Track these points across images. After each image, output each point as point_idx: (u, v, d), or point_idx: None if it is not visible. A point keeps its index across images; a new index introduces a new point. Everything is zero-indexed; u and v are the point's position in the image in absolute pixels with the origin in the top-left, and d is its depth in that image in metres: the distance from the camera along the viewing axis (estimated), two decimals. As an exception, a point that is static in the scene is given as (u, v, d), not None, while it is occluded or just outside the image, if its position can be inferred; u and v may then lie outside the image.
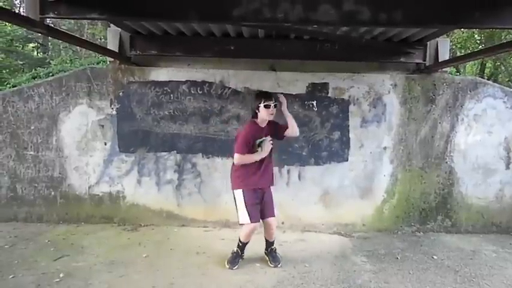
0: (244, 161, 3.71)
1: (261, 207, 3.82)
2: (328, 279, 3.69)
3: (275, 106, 3.80)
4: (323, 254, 4.39)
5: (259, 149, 3.77)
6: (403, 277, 3.79)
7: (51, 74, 7.08)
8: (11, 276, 3.57)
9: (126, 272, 3.74)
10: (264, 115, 3.76)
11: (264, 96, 3.79)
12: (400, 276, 3.81)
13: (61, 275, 3.62)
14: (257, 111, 3.78)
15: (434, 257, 4.35)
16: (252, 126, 3.81)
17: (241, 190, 3.77)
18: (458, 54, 11.24)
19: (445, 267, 4.06)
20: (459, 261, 4.22)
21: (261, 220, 3.85)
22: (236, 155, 3.70)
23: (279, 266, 3.95)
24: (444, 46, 5.17)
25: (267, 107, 3.72)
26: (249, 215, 3.71)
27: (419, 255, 4.41)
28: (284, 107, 4.01)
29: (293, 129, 3.99)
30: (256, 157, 3.73)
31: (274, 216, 3.92)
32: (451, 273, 3.89)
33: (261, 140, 3.78)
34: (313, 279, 3.70)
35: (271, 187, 3.98)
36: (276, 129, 3.96)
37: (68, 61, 8.82)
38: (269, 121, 3.86)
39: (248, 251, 4.06)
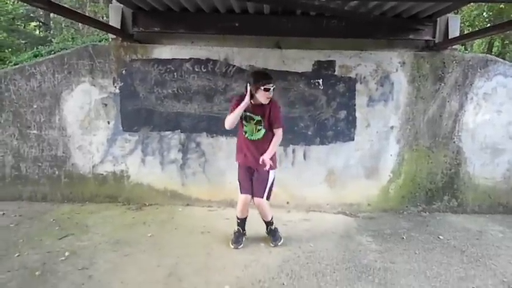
0: (229, 119, 3.59)
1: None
2: (334, 259, 3.66)
3: (273, 90, 3.61)
4: (328, 233, 4.36)
5: (245, 122, 3.72)
6: (409, 257, 3.76)
7: (53, 52, 6.97)
8: (16, 255, 3.56)
9: (131, 251, 3.72)
10: (262, 98, 3.55)
11: (263, 77, 3.56)
12: (406, 256, 3.77)
13: (66, 254, 3.61)
14: (254, 92, 3.54)
15: (441, 237, 4.30)
16: (240, 98, 3.63)
17: (237, 163, 3.88)
18: (466, 32, 11.01)
19: (452, 247, 4.02)
20: (465, 242, 4.18)
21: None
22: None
23: (278, 244, 3.92)
24: (454, 23, 5.03)
25: (266, 90, 3.52)
26: (240, 186, 3.79)
27: (425, 235, 4.37)
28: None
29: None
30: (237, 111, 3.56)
31: (261, 197, 3.73)
32: (457, 253, 3.86)
33: (249, 114, 3.67)
34: (319, 258, 3.67)
35: (271, 170, 3.72)
36: (271, 116, 3.68)
37: (69, 39, 8.69)
38: (269, 103, 3.64)
39: (251, 231, 4.04)
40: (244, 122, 3.72)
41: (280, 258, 3.65)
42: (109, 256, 3.62)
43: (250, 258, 3.65)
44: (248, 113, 3.68)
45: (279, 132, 3.70)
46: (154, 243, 3.96)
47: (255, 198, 3.76)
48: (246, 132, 3.75)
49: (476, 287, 3.17)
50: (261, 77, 3.59)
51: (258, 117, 3.68)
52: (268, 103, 3.64)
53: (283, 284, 3.17)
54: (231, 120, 3.59)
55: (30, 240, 3.94)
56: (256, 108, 3.66)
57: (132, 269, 3.37)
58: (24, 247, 3.75)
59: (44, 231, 4.19)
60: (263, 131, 3.70)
